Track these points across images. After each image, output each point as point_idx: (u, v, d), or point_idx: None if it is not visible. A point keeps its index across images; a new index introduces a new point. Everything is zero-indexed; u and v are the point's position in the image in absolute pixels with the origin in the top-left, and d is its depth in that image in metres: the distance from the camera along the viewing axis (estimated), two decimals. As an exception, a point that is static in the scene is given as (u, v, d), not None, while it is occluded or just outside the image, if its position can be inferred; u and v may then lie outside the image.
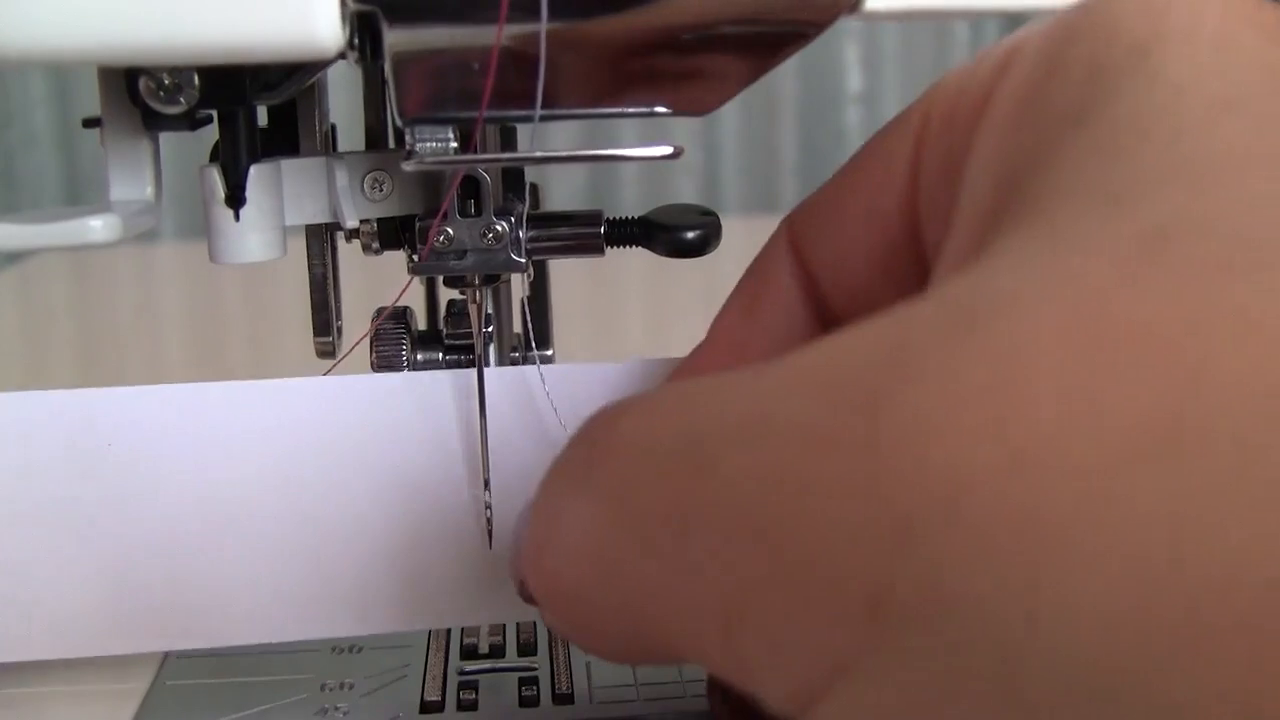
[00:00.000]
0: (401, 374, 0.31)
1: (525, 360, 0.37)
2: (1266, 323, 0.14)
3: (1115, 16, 0.19)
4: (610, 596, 0.19)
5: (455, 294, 0.33)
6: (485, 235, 0.29)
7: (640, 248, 0.32)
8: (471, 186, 0.29)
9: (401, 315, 0.33)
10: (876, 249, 0.23)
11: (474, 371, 0.30)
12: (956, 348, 0.15)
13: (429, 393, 0.30)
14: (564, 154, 0.27)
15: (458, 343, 0.33)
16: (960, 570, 0.14)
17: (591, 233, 0.32)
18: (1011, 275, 0.16)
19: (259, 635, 0.30)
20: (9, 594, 0.29)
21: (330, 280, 0.33)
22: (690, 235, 0.32)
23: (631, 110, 0.25)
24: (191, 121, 0.28)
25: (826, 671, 0.15)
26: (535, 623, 0.33)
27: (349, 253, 0.33)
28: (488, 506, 0.30)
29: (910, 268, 0.23)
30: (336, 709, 0.30)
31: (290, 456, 0.29)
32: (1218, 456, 0.13)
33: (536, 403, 0.30)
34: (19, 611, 0.29)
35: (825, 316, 0.25)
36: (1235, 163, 0.16)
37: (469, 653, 0.33)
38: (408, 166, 0.26)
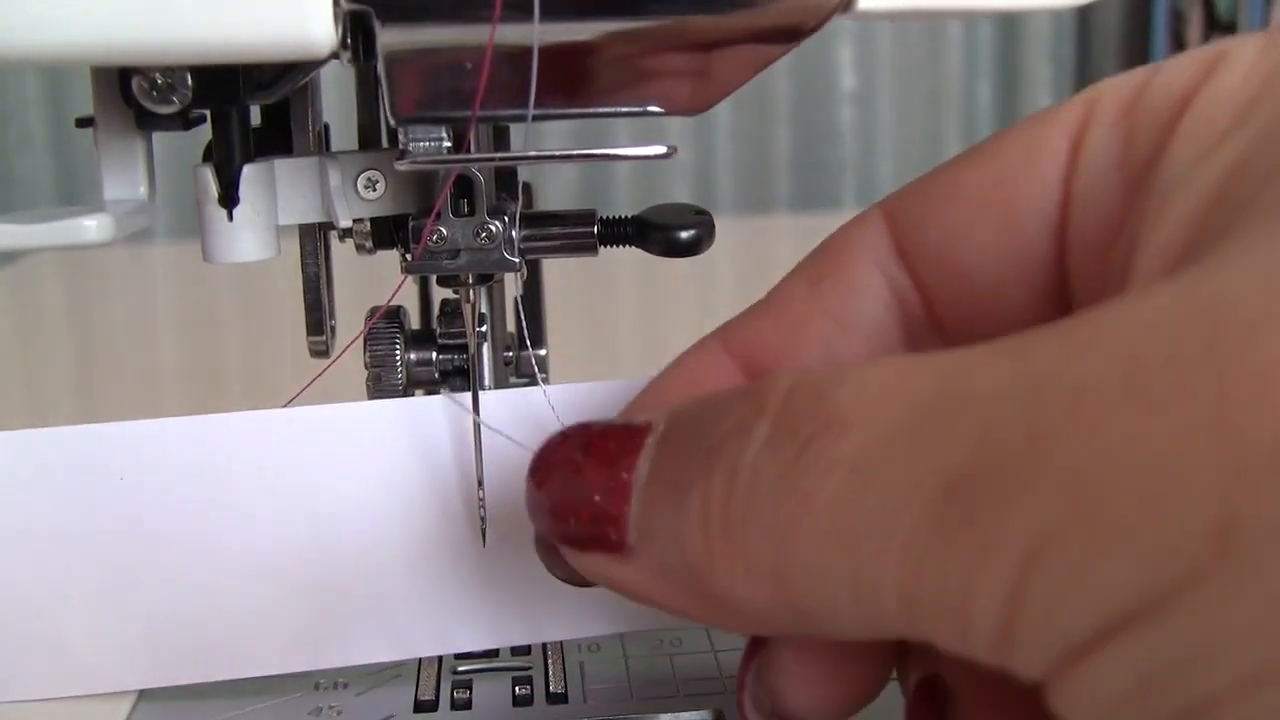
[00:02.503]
0: (402, 400, 0.31)
1: (519, 359, 0.37)
2: None
3: None
4: (842, 568, 0.18)
5: (449, 293, 0.33)
6: (479, 235, 0.29)
7: (633, 247, 0.32)
8: (465, 186, 0.29)
9: (395, 315, 0.33)
10: (1006, 237, 0.24)
11: (469, 395, 0.30)
12: None
13: (425, 419, 0.30)
14: (557, 153, 0.27)
15: (451, 342, 0.33)
16: None
17: (585, 232, 0.32)
18: None
19: (276, 667, 0.30)
20: (24, 632, 0.29)
21: (324, 280, 0.33)
22: (684, 235, 0.32)
23: (625, 110, 0.25)
24: (185, 121, 0.28)
25: (1150, 597, 0.15)
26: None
27: (342, 252, 0.33)
28: (481, 505, 0.30)
29: (1044, 254, 0.23)
30: (331, 708, 0.30)
31: (299, 486, 0.30)
32: None
33: (537, 422, 0.30)
34: (34, 649, 0.29)
35: (912, 307, 0.25)
36: None
37: (463, 653, 0.33)
38: (401, 166, 0.27)
